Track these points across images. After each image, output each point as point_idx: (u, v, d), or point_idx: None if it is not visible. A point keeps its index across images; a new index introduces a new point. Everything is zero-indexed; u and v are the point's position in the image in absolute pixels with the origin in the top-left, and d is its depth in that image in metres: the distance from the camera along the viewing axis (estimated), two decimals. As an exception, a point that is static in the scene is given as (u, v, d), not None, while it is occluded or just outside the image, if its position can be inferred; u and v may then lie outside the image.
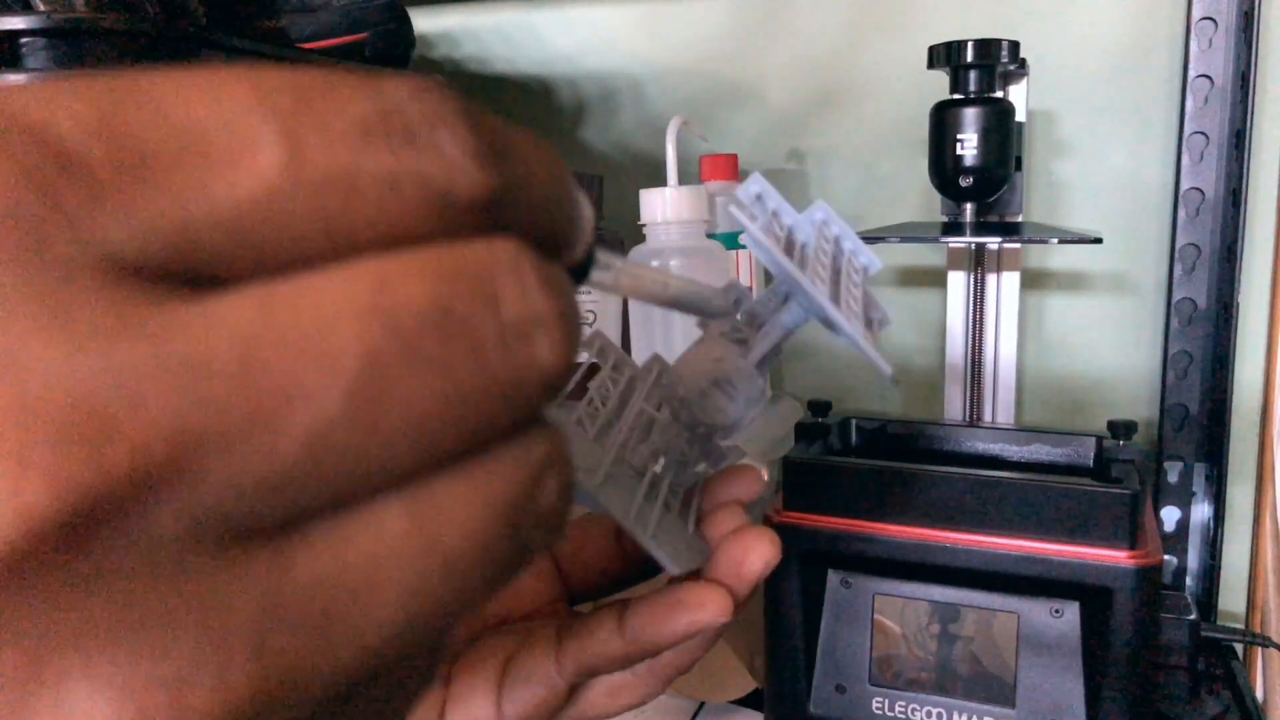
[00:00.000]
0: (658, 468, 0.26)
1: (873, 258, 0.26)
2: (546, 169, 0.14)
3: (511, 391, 0.12)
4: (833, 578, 0.52)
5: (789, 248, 0.26)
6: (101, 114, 0.10)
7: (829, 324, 0.25)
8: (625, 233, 0.69)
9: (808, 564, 0.52)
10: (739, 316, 0.26)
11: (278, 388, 0.10)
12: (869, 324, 0.25)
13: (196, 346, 0.10)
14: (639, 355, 0.66)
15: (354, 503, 0.11)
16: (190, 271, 0.10)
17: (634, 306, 0.65)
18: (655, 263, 0.63)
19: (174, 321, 0.10)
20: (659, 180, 0.64)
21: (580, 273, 0.17)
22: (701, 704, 0.64)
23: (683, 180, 0.64)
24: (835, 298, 0.24)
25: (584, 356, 0.27)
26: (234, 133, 0.11)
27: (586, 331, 0.26)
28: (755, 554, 0.27)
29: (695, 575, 0.27)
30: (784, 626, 0.53)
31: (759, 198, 0.25)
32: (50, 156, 0.10)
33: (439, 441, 0.11)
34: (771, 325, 0.26)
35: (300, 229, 0.11)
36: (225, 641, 0.10)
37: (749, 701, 0.62)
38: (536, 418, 0.13)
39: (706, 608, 0.26)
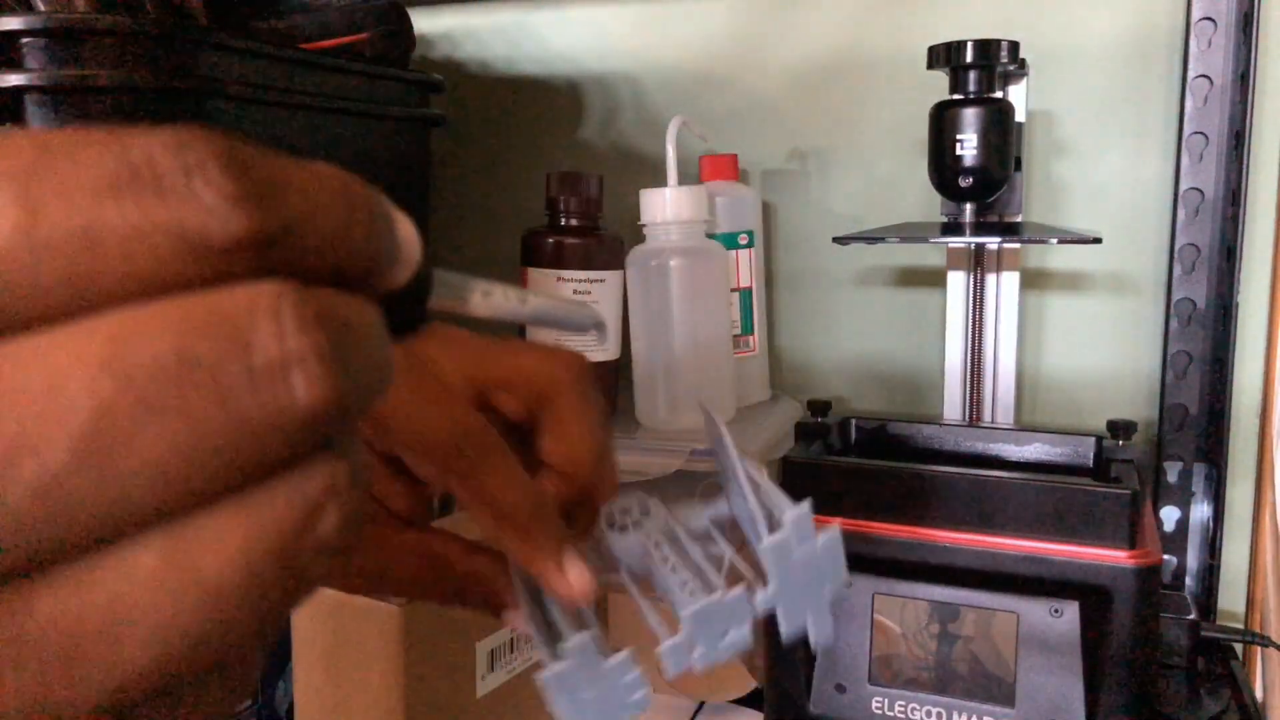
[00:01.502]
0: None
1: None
2: (335, 201, 0.14)
3: (267, 431, 0.12)
4: (832, 577, 0.52)
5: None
6: None
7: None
8: (625, 232, 0.69)
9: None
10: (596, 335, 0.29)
11: (6, 443, 0.11)
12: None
13: None
14: (637, 353, 0.66)
15: (98, 545, 0.11)
16: None
17: (633, 308, 0.65)
18: (654, 263, 0.63)
19: None
20: (659, 180, 0.64)
21: (415, 298, 0.17)
22: (701, 703, 0.64)
23: (683, 180, 0.64)
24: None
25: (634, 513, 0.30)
26: None
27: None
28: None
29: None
30: (784, 626, 0.53)
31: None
32: None
33: (185, 483, 0.12)
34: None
35: (39, 286, 0.11)
36: None
37: (749, 701, 0.62)
38: (320, 449, 0.13)
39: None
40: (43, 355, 0.11)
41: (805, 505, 0.27)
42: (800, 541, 0.26)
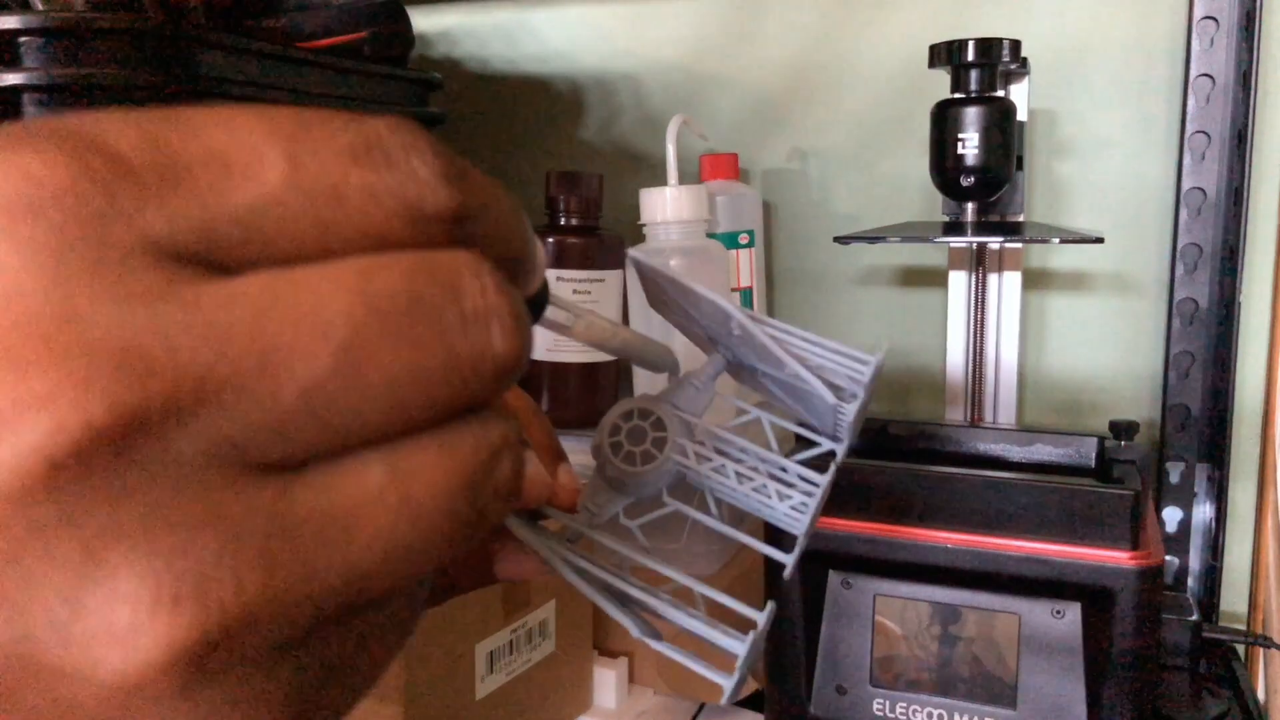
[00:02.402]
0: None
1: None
2: (504, 204, 0.16)
3: (471, 370, 0.14)
4: (833, 578, 0.52)
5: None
6: (148, 135, 0.13)
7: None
8: (625, 232, 0.69)
9: (808, 565, 0.52)
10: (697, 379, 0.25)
11: (281, 348, 0.13)
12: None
13: (219, 313, 0.13)
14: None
15: (342, 454, 0.14)
16: (215, 258, 0.13)
17: (633, 307, 0.65)
18: (655, 263, 0.63)
19: (202, 293, 0.13)
20: (659, 180, 0.64)
21: (534, 308, 0.18)
22: (702, 705, 0.64)
23: (683, 180, 0.64)
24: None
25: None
26: (247, 151, 0.13)
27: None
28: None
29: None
30: (785, 627, 0.53)
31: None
32: (111, 166, 0.13)
33: (411, 407, 0.14)
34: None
35: (299, 228, 0.14)
36: (240, 550, 0.12)
37: (750, 703, 0.62)
38: (494, 405, 0.15)
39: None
40: (307, 280, 0.13)
41: (875, 360, 0.23)
42: (871, 391, 0.23)
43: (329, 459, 0.14)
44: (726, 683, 0.20)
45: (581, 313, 0.22)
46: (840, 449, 0.24)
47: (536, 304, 0.18)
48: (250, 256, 0.13)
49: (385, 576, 0.14)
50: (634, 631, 0.21)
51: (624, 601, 0.22)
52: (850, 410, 0.23)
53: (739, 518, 0.24)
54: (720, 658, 0.21)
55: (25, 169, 0.12)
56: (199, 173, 0.13)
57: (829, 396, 0.23)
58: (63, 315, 0.12)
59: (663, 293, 0.25)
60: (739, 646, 0.21)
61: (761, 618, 0.21)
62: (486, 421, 0.15)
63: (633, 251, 0.24)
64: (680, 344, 0.26)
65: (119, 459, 0.12)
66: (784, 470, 0.24)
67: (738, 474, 0.24)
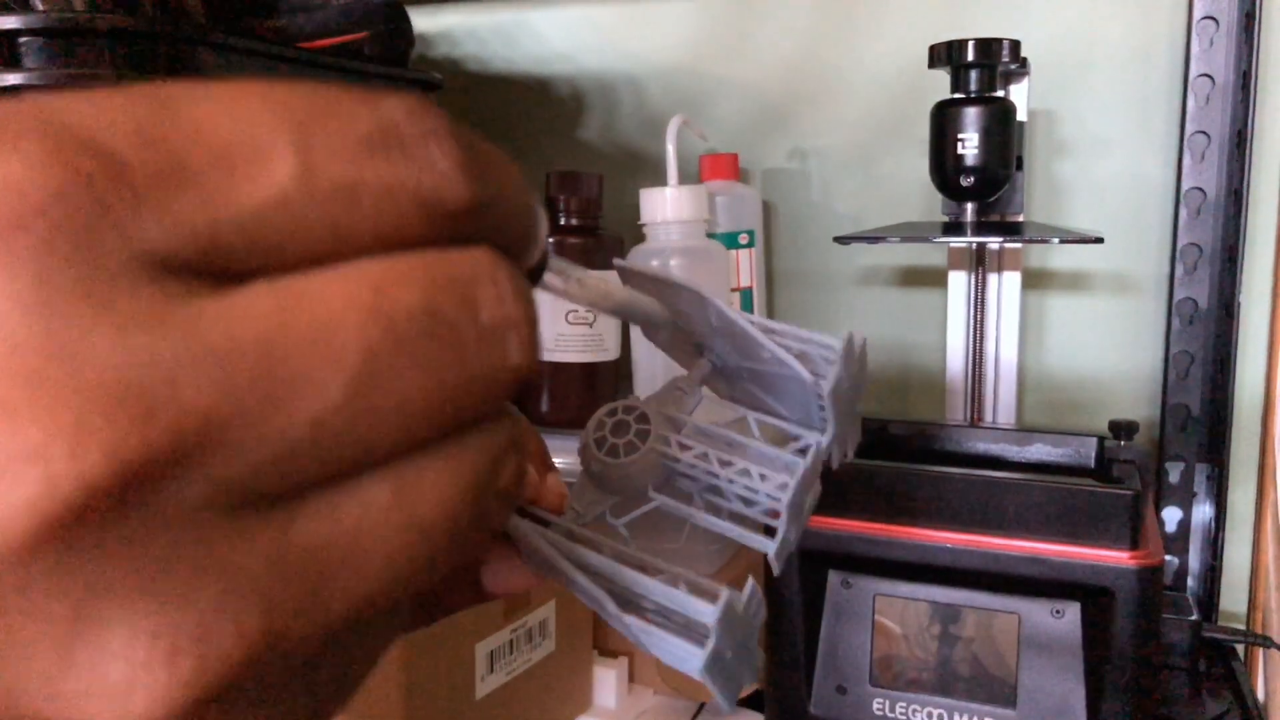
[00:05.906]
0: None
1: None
2: (515, 183, 0.15)
3: (486, 386, 0.14)
4: (833, 578, 0.52)
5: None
6: (141, 126, 0.12)
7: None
8: (625, 232, 0.69)
9: (808, 564, 0.52)
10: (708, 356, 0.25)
11: (290, 377, 0.12)
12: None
13: (221, 339, 0.11)
14: (638, 356, 0.65)
15: (346, 479, 0.13)
16: (216, 267, 0.12)
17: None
18: (655, 263, 0.63)
19: (202, 315, 0.11)
20: (659, 180, 0.64)
21: (534, 276, 0.18)
22: (702, 704, 0.64)
23: (683, 180, 0.64)
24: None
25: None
26: (253, 145, 0.12)
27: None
28: None
29: None
30: (785, 627, 0.53)
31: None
32: (104, 167, 0.11)
33: (422, 427, 0.13)
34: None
35: (310, 231, 0.12)
36: (239, 594, 0.12)
37: (750, 702, 0.62)
38: (503, 407, 0.15)
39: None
40: (318, 297, 0.12)
41: (850, 336, 0.23)
42: (846, 368, 0.23)
43: (333, 486, 0.13)
44: (699, 651, 0.20)
45: (576, 273, 0.21)
46: (824, 438, 0.24)
47: (535, 271, 0.18)
48: (255, 265, 0.12)
49: (391, 594, 0.13)
50: (609, 608, 0.21)
51: (600, 580, 0.22)
52: (827, 387, 0.23)
53: (739, 521, 0.24)
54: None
55: (6, 176, 0.11)
56: (200, 172, 0.12)
57: (805, 375, 0.23)
58: (51, 350, 0.10)
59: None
60: (710, 613, 0.20)
61: (734, 593, 0.21)
62: (492, 426, 0.14)
63: (617, 261, 0.25)
64: (662, 363, 0.26)
65: (114, 512, 0.11)
66: (765, 455, 0.24)
67: (720, 459, 0.24)
